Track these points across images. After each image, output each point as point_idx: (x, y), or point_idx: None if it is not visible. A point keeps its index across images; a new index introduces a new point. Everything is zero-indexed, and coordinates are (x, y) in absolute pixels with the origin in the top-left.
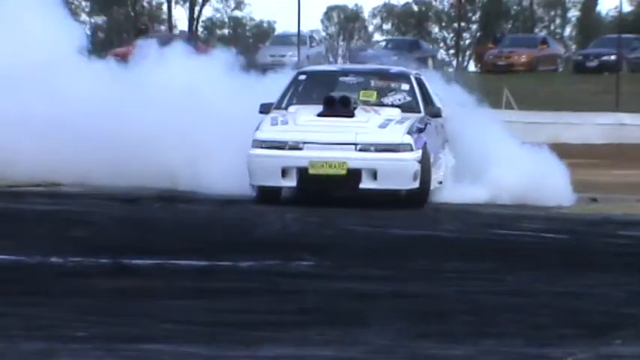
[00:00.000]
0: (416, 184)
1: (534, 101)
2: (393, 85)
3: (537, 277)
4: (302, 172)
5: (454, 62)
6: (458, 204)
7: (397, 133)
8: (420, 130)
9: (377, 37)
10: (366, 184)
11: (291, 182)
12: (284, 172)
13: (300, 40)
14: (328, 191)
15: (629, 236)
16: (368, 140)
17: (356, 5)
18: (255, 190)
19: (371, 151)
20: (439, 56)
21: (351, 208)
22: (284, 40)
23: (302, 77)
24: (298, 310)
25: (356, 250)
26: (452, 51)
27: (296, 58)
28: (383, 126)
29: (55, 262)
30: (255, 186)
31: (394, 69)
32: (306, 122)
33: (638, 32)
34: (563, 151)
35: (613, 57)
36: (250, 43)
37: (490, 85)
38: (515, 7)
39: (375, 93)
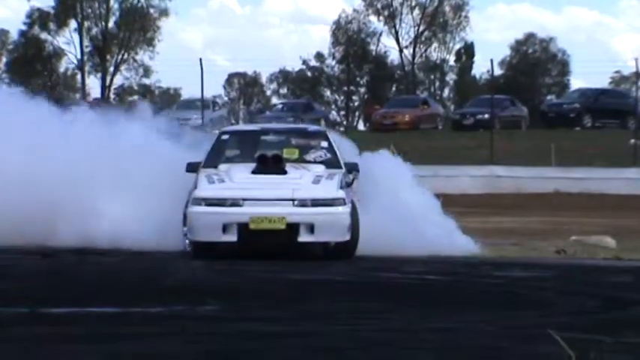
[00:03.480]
0: (348, 237)
1: (417, 156)
2: (312, 142)
3: (420, 315)
4: (242, 228)
5: (344, 122)
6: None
7: (331, 189)
8: (348, 185)
9: (274, 100)
10: (303, 237)
11: (231, 237)
12: (225, 228)
13: (203, 104)
14: (267, 245)
15: (503, 276)
16: (304, 196)
17: (255, 72)
18: (191, 246)
19: (308, 206)
20: (331, 117)
21: (254, 258)
22: (189, 104)
23: (225, 137)
24: (206, 351)
25: (257, 293)
26: (342, 112)
27: (200, 121)
28: (316, 182)
29: None
30: (192, 241)
31: (311, 127)
32: (243, 180)
33: (508, 93)
34: (445, 201)
35: (487, 115)
36: (159, 108)
37: (378, 141)
38: (398, 72)
39: (297, 150)
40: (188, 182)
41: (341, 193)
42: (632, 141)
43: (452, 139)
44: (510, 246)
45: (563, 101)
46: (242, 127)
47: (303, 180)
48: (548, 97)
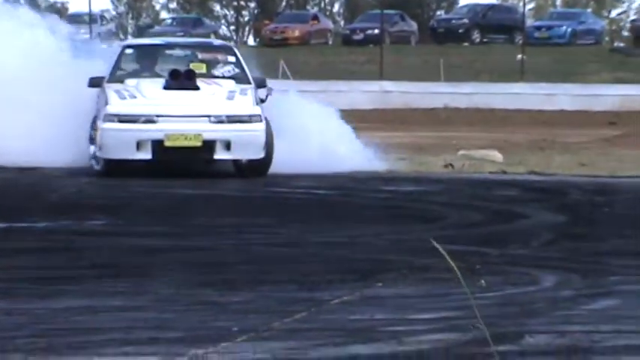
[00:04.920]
0: (263, 154)
1: (308, 72)
2: (219, 57)
3: (308, 229)
4: (157, 145)
5: (235, 37)
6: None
7: (247, 105)
8: (262, 101)
9: (164, 15)
10: (219, 154)
11: (145, 155)
12: (139, 145)
13: (91, 18)
14: (182, 162)
15: (391, 191)
16: (220, 112)
17: None
18: (102, 162)
19: (224, 122)
20: (221, 32)
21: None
22: (76, 19)
23: (129, 51)
24: (91, 265)
25: (145, 209)
26: (232, 27)
27: (88, 36)
28: (230, 98)
29: None
30: (104, 159)
31: (217, 42)
32: (155, 95)
33: (398, 8)
34: None
35: (376, 31)
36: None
37: (268, 57)
38: None
39: (204, 65)
40: (85, 95)
41: (257, 110)
42: (519, 56)
43: (342, 55)
44: (399, 160)
45: (452, 17)
46: (146, 40)
47: (217, 96)
48: (438, 13)
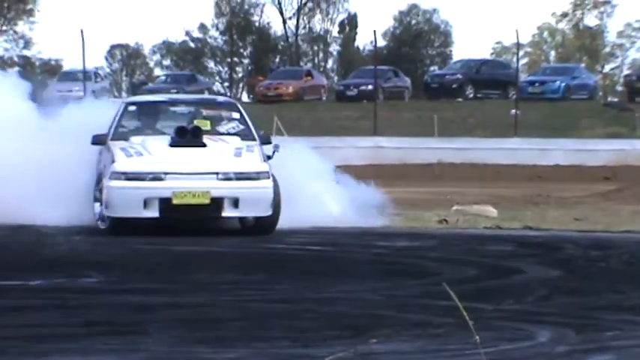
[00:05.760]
0: (271, 211)
1: (301, 128)
2: (223, 113)
3: (303, 285)
4: (165, 203)
5: (228, 94)
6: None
7: (254, 162)
8: (269, 158)
9: (157, 72)
10: (227, 212)
11: (153, 213)
12: (146, 203)
13: (85, 76)
14: (191, 220)
15: (385, 246)
16: (228, 169)
17: (137, 43)
18: (108, 221)
19: (232, 179)
20: (215, 88)
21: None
22: (71, 76)
23: (132, 108)
24: (84, 323)
25: (140, 266)
26: (226, 83)
27: (82, 93)
28: (237, 155)
29: None
30: (111, 217)
31: (220, 98)
32: (162, 153)
33: (391, 64)
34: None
35: (370, 86)
36: (40, 80)
37: (262, 113)
38: (282, 43)
39: (209, 122)
40: (86, 155)
41: (265, 167)
42: (513, 111)
43: (336, 111)
44: (394, 216)
45: (445, 72)
46: (149, 97)
47: (225, 153)
48: (431, 68)
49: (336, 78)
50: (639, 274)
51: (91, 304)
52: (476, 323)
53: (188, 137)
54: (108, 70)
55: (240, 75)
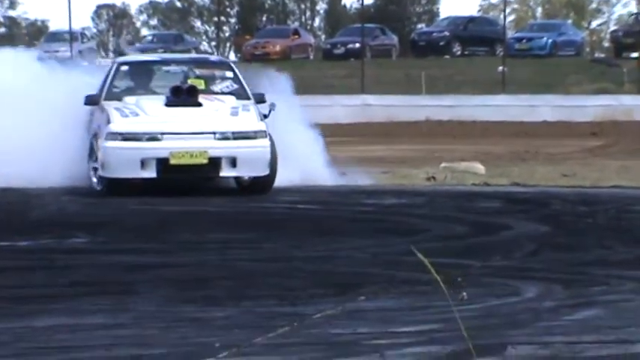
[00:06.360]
0: (268, 171)
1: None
2: (216, 72)
3: (291, 244)
4: (162, 163)
5: (216, 53)
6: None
7: (251, 121)
8: (265, 117)
9: (144, 32)
10: (225, 172)
11: (150, 173)
12: (143, 164)
13: (72, 36)
14: (189, 180)
15: (373, 204)
16: (226, 129)
17: (123, 3)
18: (104, 182)
19: (230, 139)
20: (202, 48)
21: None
22: (57, 37)
23: (124, 68)
24: (71, 283)
25: (129, 226)
26: (213, 43)
27: (69, 53)
28: (234, 114)
29: None
30: (107, 178)
31: (213, 57)
32: (158, 113)
33: (379, 22)
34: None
35: (357, 45)
36: (26, 40)
37: (245, 72)
38: (269, 2)
39: (203, 81)
40: (78, 115)
41: (262, 126)
42: (501, 68)
43: (323, 69)
44: (381, 174)
45: (432, 29)
46: (141, 57)
47: (221, 112)
48: (419, 26)
49: (323, 36)
50: (627, 230)
51: (79, 264)
52: (463, 280)
53: (184, 97)
54: (94, 30)
55: (227, 34)
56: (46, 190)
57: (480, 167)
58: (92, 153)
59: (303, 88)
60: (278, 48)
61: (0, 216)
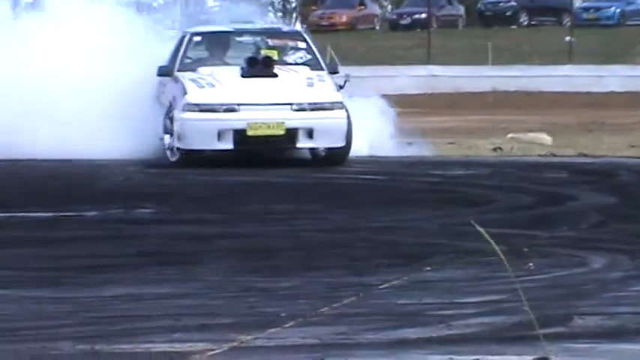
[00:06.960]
0: (344, 142)
1: (355, 57)
2: (289, 43)
3: (356, 214)
4: (239, 134)
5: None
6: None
7: (328, 92)
8: (341, 87)
9: (211, 2)
10: (302, 143)
11: (227, 145)
12: (220, 135)
13: (139, 7)
14: (265, 151)
15: (439, 175)
16: (302, 100)
17: None
18: (179, 154)
19: (306, 110)
20: (268, 18)
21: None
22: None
23: (197, 38)
24: (138, 253)
25: (195, 197)
26: (279, 14)
27: None
28: (310, 85)
29: None
30: (184, 149)
31: (285, 27)
32: (234, 84)
33: None
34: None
35: (423, 15)
36: None
37: (315, 43)
38: None
39: (276, 52)
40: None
41: (339, 97)
42: (568, 38)
43: (389, 40)
44: (447, 144)
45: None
46: (213, 27)
47: (297, 83)
48: None
49: (389, 7)
50: None
51: (146, 234)
52: (529, 250)
53: (259, 67)
54: (161, 1)
55: (293, 5)
56: (118, 161)
57: (546, 138)
58: (166, 124)
59: (369, 58)
60: (344, 19)
61: (68, 187)
